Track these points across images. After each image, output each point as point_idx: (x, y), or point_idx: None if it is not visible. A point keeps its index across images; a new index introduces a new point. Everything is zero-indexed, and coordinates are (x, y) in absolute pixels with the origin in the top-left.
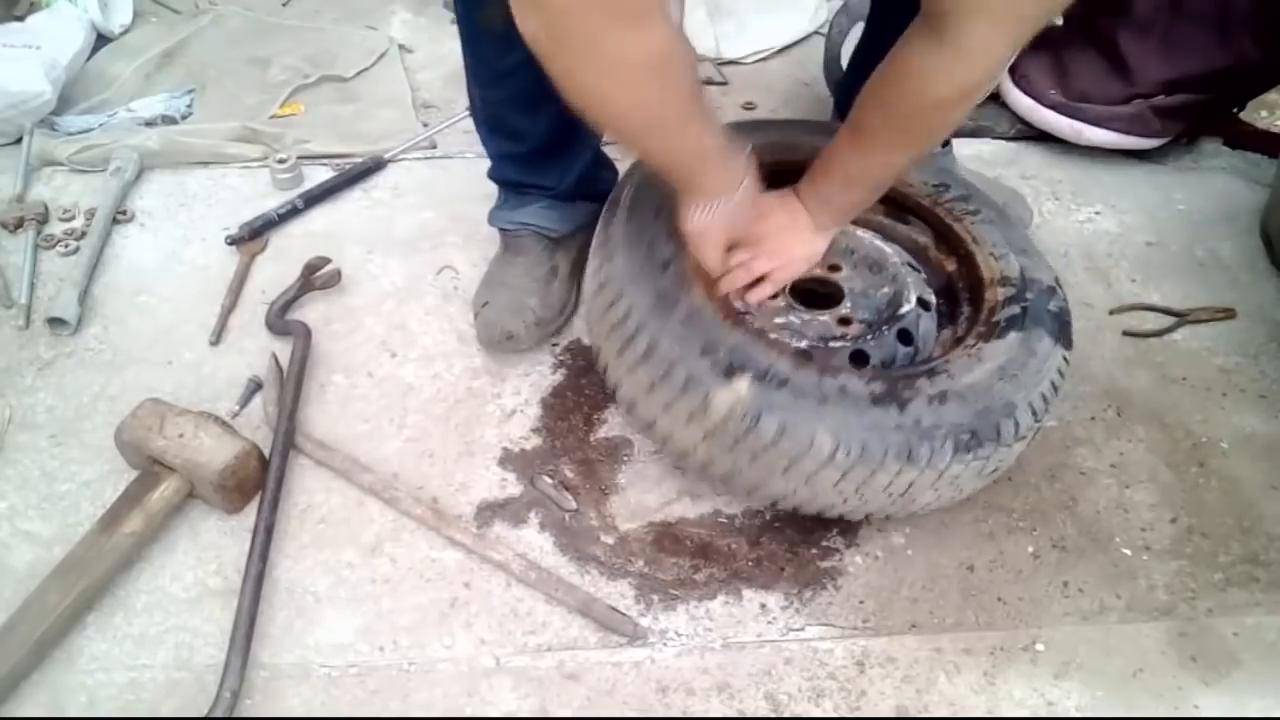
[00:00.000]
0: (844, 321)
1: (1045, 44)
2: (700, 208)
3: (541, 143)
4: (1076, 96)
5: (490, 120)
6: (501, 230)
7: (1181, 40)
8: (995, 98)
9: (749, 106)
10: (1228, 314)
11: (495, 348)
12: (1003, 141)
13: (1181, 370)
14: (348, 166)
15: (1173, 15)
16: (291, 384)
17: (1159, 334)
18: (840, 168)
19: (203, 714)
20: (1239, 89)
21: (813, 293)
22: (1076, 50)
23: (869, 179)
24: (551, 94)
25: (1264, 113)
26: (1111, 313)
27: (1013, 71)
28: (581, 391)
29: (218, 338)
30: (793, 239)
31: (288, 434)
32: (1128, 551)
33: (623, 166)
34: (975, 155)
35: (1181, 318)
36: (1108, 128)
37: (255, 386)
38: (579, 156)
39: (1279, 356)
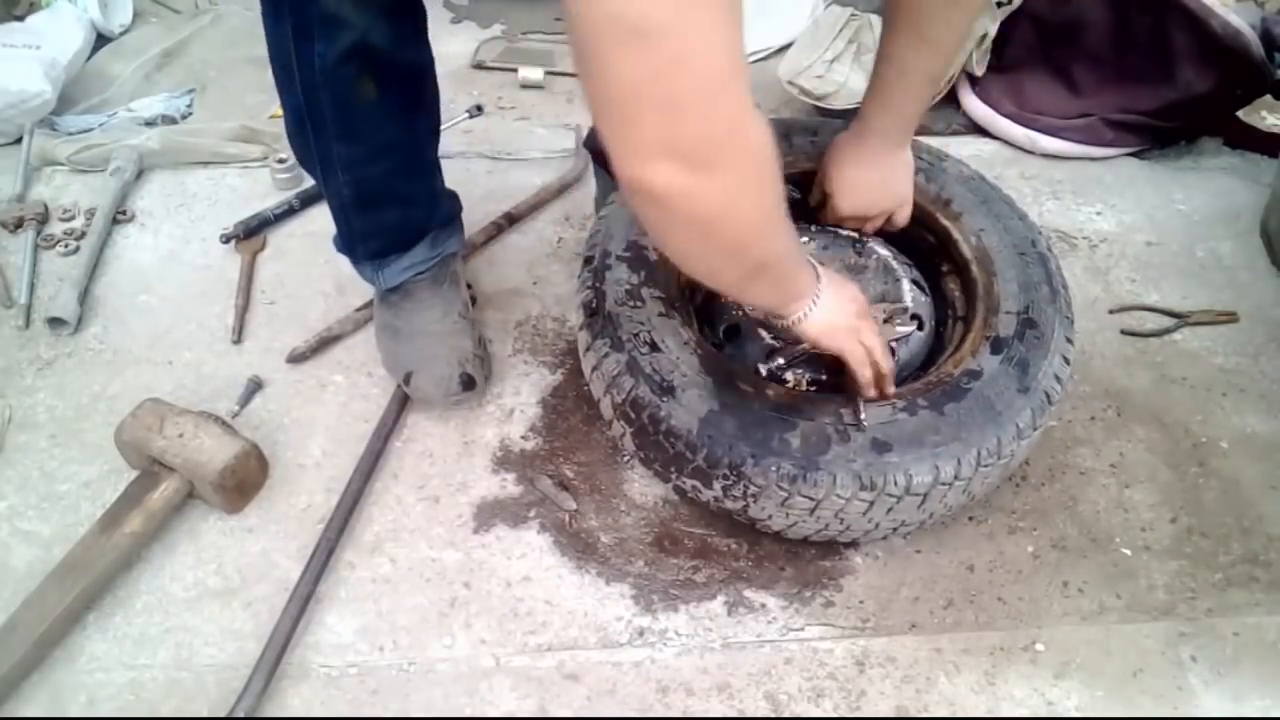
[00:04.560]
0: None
1: (1004, 68)
2: (810, 307)
3: (428, 201)
4: (1032, 111)
5: (365, 200)
6: (391, 289)
7: (1131, 72)
8: (953, 100)
9: None
10: (1229, 317)
11: (451, 404)
12: (1002, 142)
13: (1181, 370)
14: None
15: (1122, 48)
16: (395, 406)
17: (1159, 334)
18: (904, 72)
19: (202, 714)
20: (1191, 117)
21: None
22: (1033, 76)
23: (935, 76)
24: (433, 156)
25: (1264, 113)
26: (1111, 312)
27: (973, 84)
28: (581, 391)
29: (239, 336)
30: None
31: (378, 454)
32: (1128, 551)
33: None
34: (975, 155)
35: (1182, 320)
36: (1061, 137)
37: (255, 386)
38: (441, 184)
39: (1279, 356)
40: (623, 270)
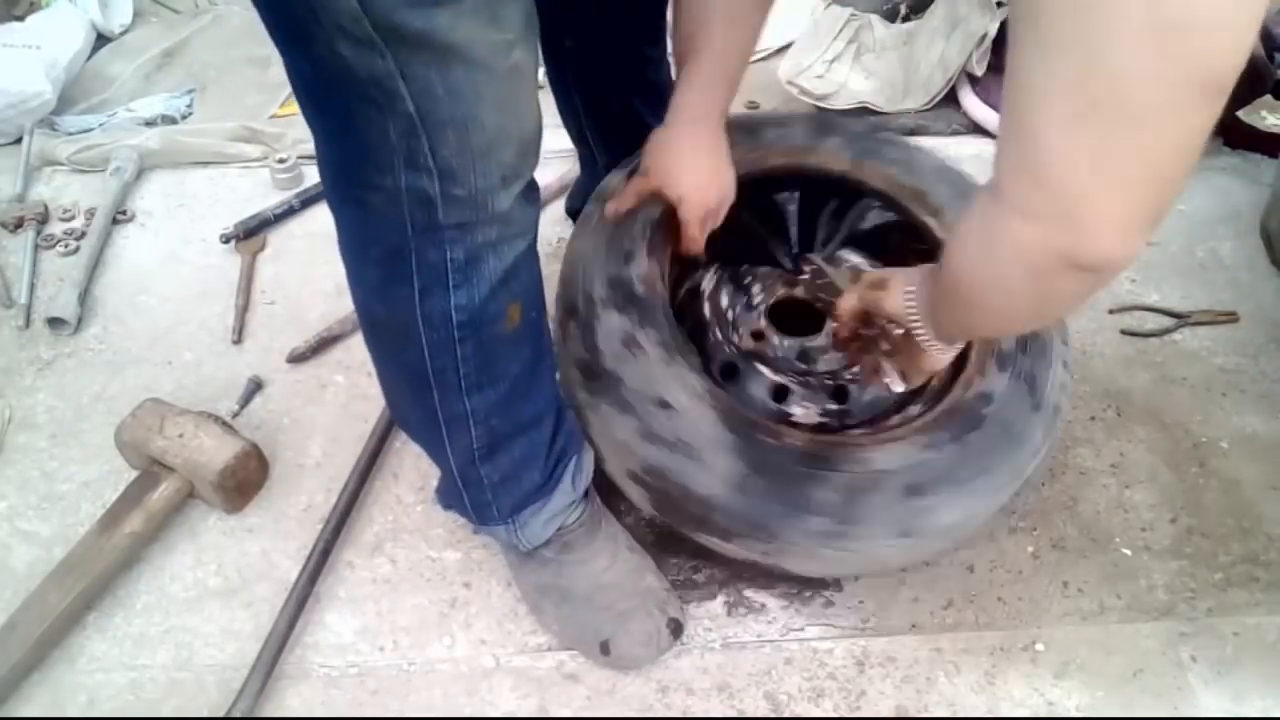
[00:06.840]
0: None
1: (1004, 68)
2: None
3: (550, 397)
4: None
5: (494, 445)
6: (541, 546)
7: None
8: (953, 101)
9: (752, 106)
10: (1229, 317)
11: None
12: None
13: (1181, 370)
14: None
15: None
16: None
17: (1159, 334)
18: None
19: (202, 714)
20: None
21: (795, 317)
22: None
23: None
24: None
25: (1264, 113)
26: (1111, 312)
27: (973, 84)
28: None
29: (239, 336)
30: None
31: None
32: (1128, 551)
33: None
34: (976, 155)
35: (1182, 320)
36: None
37: (255, 386)
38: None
39: (1279, 356)
40: (613, 317)
